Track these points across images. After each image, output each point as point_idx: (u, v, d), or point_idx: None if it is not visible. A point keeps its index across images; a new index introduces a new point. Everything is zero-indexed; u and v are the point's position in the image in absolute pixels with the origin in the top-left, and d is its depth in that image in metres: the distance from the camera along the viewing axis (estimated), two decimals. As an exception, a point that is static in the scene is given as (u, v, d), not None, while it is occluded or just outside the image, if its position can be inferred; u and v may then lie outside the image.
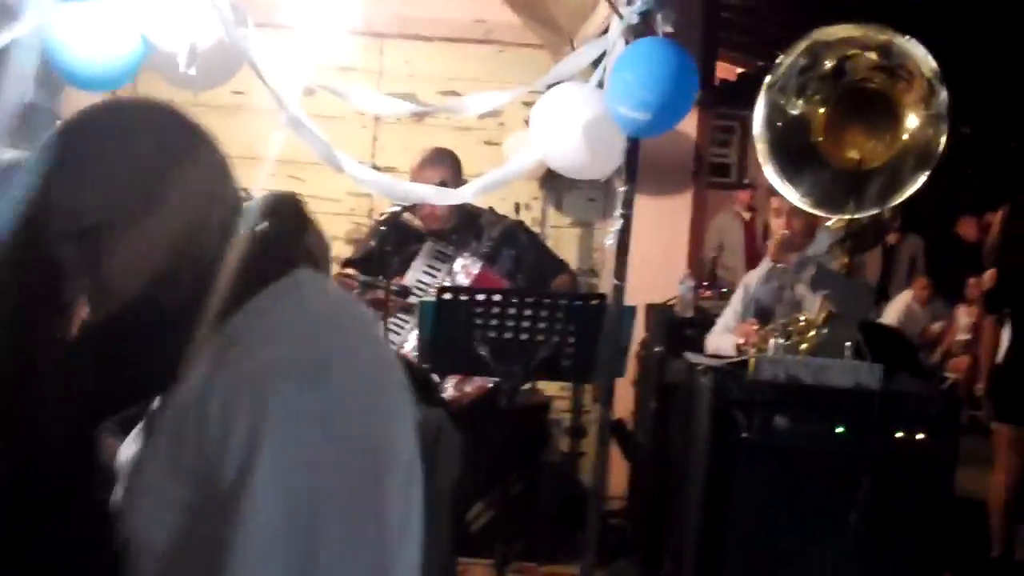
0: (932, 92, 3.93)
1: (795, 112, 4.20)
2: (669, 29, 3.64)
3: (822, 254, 4.58)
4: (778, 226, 4.76)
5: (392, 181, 4.24)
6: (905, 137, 4.05)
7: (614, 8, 3.79)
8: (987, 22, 9.95)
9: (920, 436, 3.81)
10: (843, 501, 3.72)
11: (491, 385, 4.56)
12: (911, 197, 4.14)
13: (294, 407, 1.36)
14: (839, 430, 3.81)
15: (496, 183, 3.94)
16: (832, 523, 3.74)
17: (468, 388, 4.58)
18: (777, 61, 4.20)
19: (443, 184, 4.56)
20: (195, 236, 1.42)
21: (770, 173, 4.20)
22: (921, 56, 3.95)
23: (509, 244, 4.78)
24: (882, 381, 3.82)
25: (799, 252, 4.67)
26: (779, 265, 4.70)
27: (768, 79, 4.19)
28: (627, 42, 3.76)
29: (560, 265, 5.09)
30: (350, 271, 4.71)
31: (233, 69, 3.91)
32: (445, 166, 4.77)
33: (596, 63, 4.02)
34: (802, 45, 4.10)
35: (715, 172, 11.81)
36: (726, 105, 10.76)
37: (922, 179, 3.94)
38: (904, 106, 4.04)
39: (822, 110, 4.21)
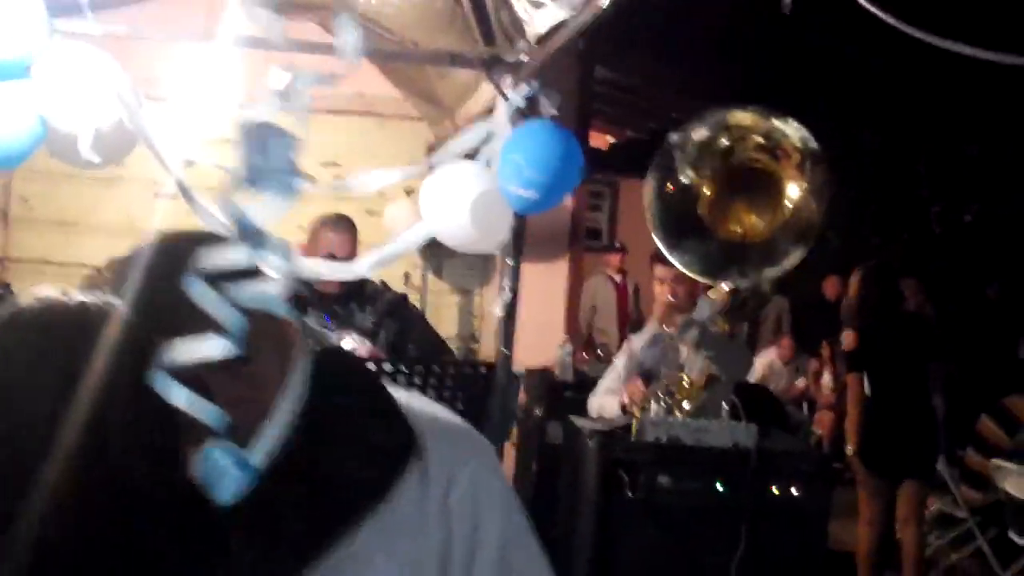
0: (810, 168, 4.12)
1: (685, 182, 4.34)
2: (553, 112, 3.81)
3: (705, 320, 4.75)
4: (661, 292, 4.91)
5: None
6: (786, 213, 4.23)
7: (501, 92, 3.96)
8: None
9: (794, 490, 4.00)
10: (724, 555, 3.89)
11: None
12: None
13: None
14: (719, 487, 3.99)
15: (389, 258, 4.04)
16: (716, 574, 3.90)
17: None
18: (676, 137, 4.32)
19: (346, 251, 4.65)
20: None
21: (659, 241, 4.34)
22: (798, 134, 4.15)
23: (393, 318, 4.85)
24: (757, 440, 4.02)
25: (683, 316, 4.84)
26: (666, 330, 4.86)
27: (663, 149, 4.32)
28: (513, 123, 3.92)
29: (442, 344, 5.19)
30: None
31: (127, 148, 3.98)
32: (348, 231, 4.83)
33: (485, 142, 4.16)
34: (710, 121, 4.26)
35: (587, 236, 12.09)
36: (598, 171, 11.06)
37: (802, 251, 4.14)
38: (785, 183, 4.22)
39: (709, 184, 4.36)
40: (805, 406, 11.55)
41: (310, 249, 4.76)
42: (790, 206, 4.13)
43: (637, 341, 5.10)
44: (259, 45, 4.69)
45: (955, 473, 8.26)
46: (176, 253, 1.45)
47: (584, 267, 10.11)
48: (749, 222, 4.30)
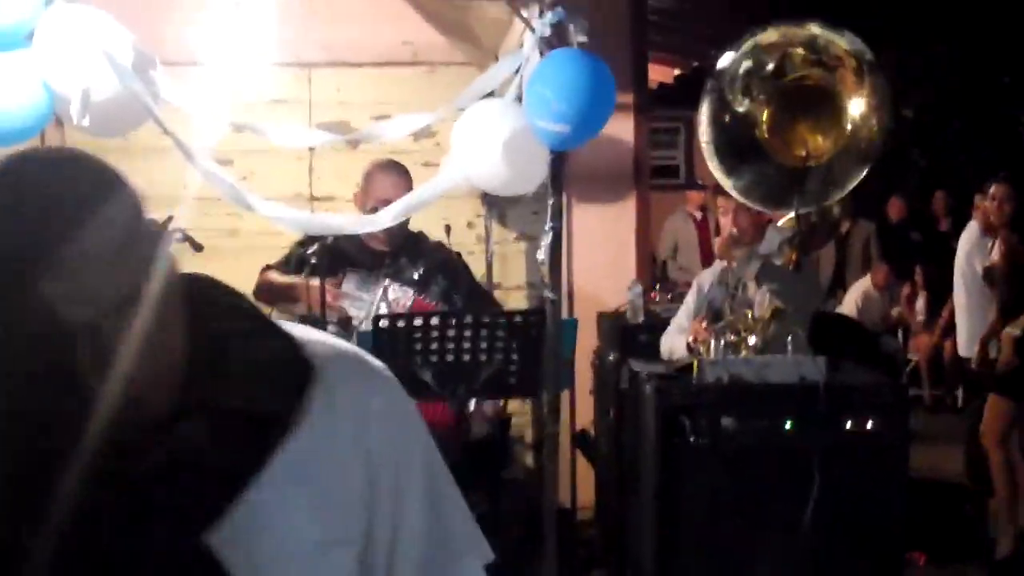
0: (867, 78, 3.90)
1: (740, 111, 4.16)
2: (582, 39, 3.61)
3: (773, 252, 4.55)
4: (725, 224, 4.73)
5: (307, 216, 4.20)
6: (849, 128, 4.02)
7: (525, 21, 3.76)
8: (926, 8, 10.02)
9: (869, 424, 3.78)
10: (796, 497, 3.68)
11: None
12: (859, 183, 4.12)
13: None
14: (787, 426, 3.78)
15: (418, 204, 3.90)
16: (787, 519, 3.70)
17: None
18: (719, 65, 4.16)
19: (400, 194, 4.49)
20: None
21: (714, 170, 4.17)
22: (848, 44, 3.93)
23: (443, 274, 4.70)
24: (826, 373, 3.79)
25: (747, 249, 4.64)
26: (730, 264, 4.67)
27: (711, 81, 4.16)
28: (541, 54, 3.73)
29: (491, 301, 5.05)
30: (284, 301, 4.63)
31: (140, 116, 3.84)
32: (401, 174, 4.68)
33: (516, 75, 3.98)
34: (744, 47, 4.08)
35: (663, 174, 11.85)
36: (666, 107, 10.79)
37: (865, 170, 3.91)
38: (845, 97, 4.02)
39: (767, 108, 4.18)
40: (900, 332, 11.25)
41: (364, 196, 4.64)
42: (850, 122, 3.88)
43: (706, 277, 4.91)
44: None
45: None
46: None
47: (662, 206, 9.89)
48: (814, 142, 4.08)
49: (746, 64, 4.12)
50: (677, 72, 10.88)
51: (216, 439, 1.31)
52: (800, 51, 4.01)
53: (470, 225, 7.33)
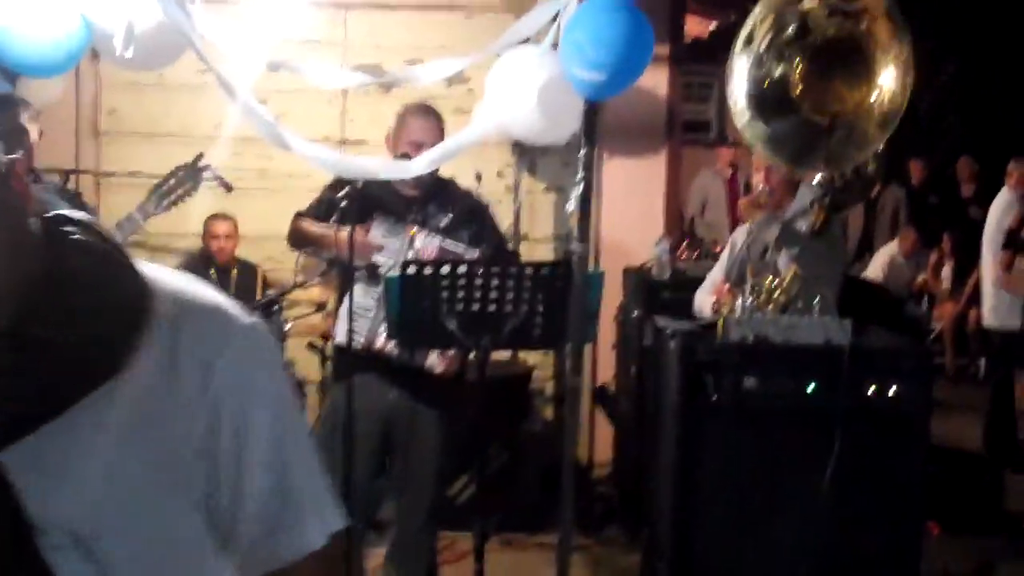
0: (893, 32, 3.81)
1: (772, 71, 4.09)
2: (620, -14, 3.56)
3: (804, 210, 4.50)
4: (758, 181, 4.68)
5: (344, 158, 4.18)
6: (875, 84, 3.95)
7: (564, -33, 3.71)
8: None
9: (893, 389, 3.75)
10: (817, 460, 3.67)
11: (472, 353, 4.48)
12: (892, 147, 4.06)
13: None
14: (810, 388, 3.76)
15: (452, 152, 3.88)
16: (807, 483, 3.69)
17: (451, 353, 4.46)
18: (747, 27, 4.09)
19: (435, 143, 4.47)
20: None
21: (742, 129, 4.11)
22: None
23: (472, 223, 4.68)
24: (852, 337, 3.76)
25: (777, 209, 4.59)
26: (753, 225, 4.63)
27: (739, 44, 4.09)
28: (579, 2, 3.69)
29: (512, 255, 5.03)
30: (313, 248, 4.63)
31: (178, 50, 3.82)
32: (434, 118, 4.65)
33: (553, 23, 3.94)
34: (765, 7, 4.00)
35: (694, 129, 11.74)
36: (700, 62, 10.67)
37: (887, 132, 3.85)
38: (873, 49, 3.93)
39: (799, 67, 4.10)
40: (925, 300, 11.19)
41: (396, 139, 4.61)
42: (877, 78, 3.81)
43: (739, 235, 4.87)
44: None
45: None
46: None
47: (693, 162, 9.82)
48: (849, 97, 4.01)
49: (767, 25, 4.04)
50: (713, 26, 10.75)
51: (19, 366, 1.28)
52: (817, 5, 3.91)
53: (500, 174, 7.32)
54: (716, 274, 4.88)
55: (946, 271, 11.11)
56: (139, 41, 3.49)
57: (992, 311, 7.39)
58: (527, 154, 7.27)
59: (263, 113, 3.75)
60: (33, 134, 4.24)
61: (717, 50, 11.23)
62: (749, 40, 4.01)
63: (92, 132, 7.38)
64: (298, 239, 4.76)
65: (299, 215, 4.75)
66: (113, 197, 7.08)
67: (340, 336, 4.48)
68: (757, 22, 3.99)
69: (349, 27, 7.32)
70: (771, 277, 4.18)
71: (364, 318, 4.38)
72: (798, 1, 4.02)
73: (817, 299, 3.93)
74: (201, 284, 1.47)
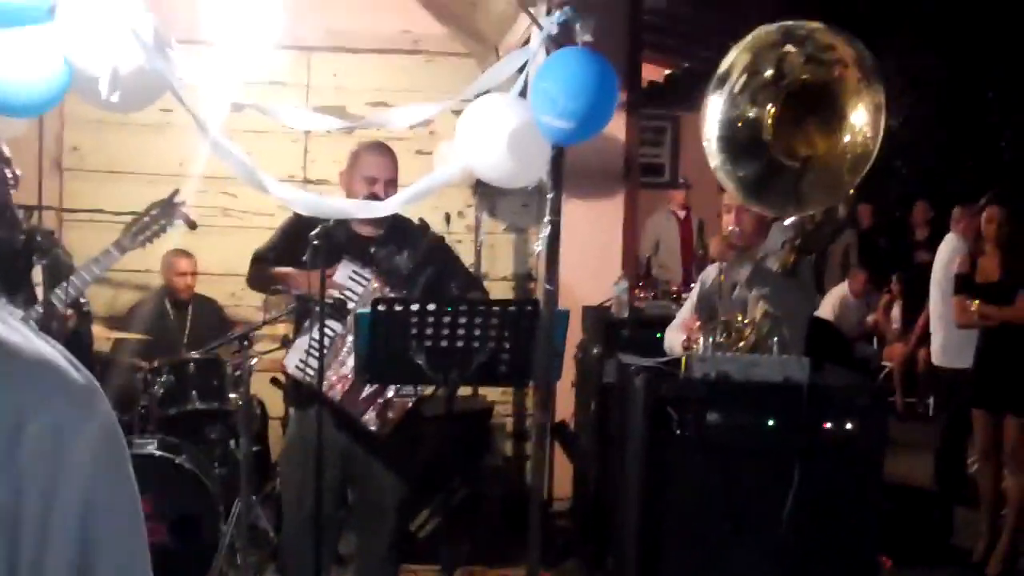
0: (867, 80, 3.92)
1: (746, 112, 4.17)
2: (588, 38, 3.70)
3: (775, 251, 4.60)
4: (727, 222, 4.75)
5: (317, 198, 4.27)
6: (847, 130, 4.04)
7: (533, 19, 3.85)
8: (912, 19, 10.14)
9: (848, 425, 3.88)
10: (776, 492, 3.78)
11: (411, 404, 4.59)
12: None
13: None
14: (770, 423, 3.88)
15: (422, 193, 3.99)
16: (767, 514, 3.79)
17: (391, 414, 4.58)
18: (720, 69, 4.18)
19: (388, 179, 4.59)
20: None
21: (717, 170, 4.17)
22: (848, 44, 3.94)
23: (433, 261, 4.78)
24: (809, 375, 3.89)
25: (748, 249, 4.68)
26: (724, 263, 4.72)
27: (715, 83, 4.18)
28: (548, 52, 3.82)
29: (481, 286, 5.13)
30: (279, 288, 4.70)
31: (157, 92, 3.91)
32: (388, 155, 4.75)
33: (520, 72, 4.07)
34: (739, 49, 4.09)
35: (648, 172, 11.93)
36: (655, 106, 10.89)
37: (859, 175, 3.95)
38: (845, 97, 4.03)
39: (772, 111, 4.19)
40: (875, 340, 11.41)
41: (348, 176, 4.70)
42: (849, 124, 3.94)
43: (710, 272, 4.96)
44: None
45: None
46: None
47: (647, 204, 9.98)
48: (819, 143, 4.11)
49: (743, 67, 4.14)
50: (667, 72, 10.98)
51: None
52: (795, 50, 4.03)
53: (460, 215, 7.45)
54: (685, 312, 4.97)
55: (895, 312, 11.34)
56: (121, 84, 3.57)
57: (941, 350, 7.57)
58: (487, 195, 7.39)
59: (239, 154, 3.84)
60: (8, 172, 4.32)
61: (671, 95, 11.49)
62: (723, 80, 4.11)
63: (55, 168, 7.43)
64: (260, 281, 4.84)
65: (258, 256, 4.82)
66: (75, 233, 7.13)
67: (289, 365, 4.58)
68: (733, 63, 4.10)
69: (313, 70, 7.44)
70: (740, 316, 4.30)
71: (315, 355, 4.46)
72: (777, 46, 4.12)
73: (776, 338, 4.06)
74: (43, 339, 1.30)
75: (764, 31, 4.05)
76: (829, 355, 4.70)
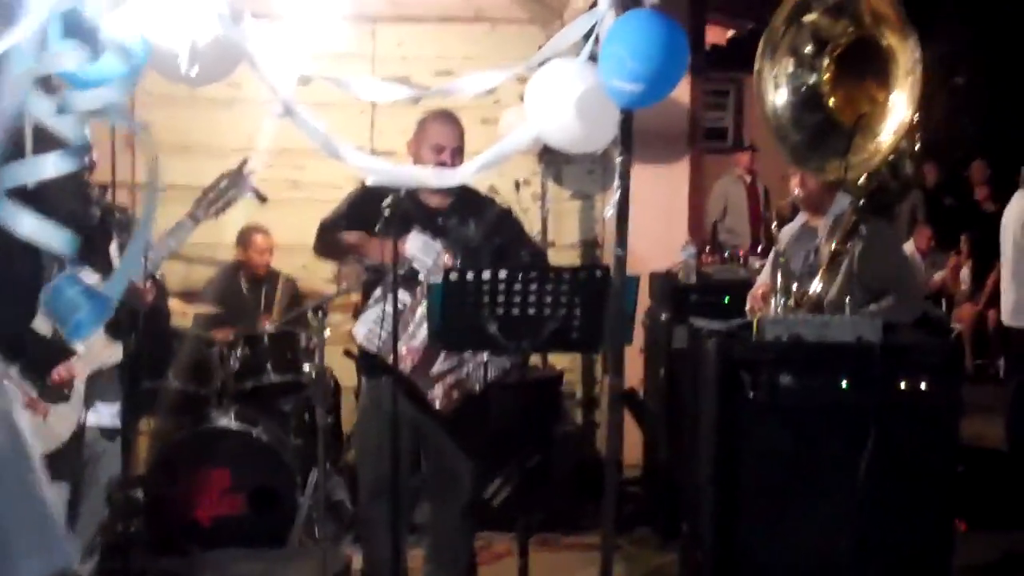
0: (902, 34, 3.87)
1: (806, 79, 4.14)
2: (655, 0, 3.69)
3: (842, 213, 4.57)
4: (793, 185, 4.74)
5: (392, 167, 4.27)
6: (891, 87, 4.00)
7: (599, -19, 3.83)
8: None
9: (923, 386, 3.86)
10: (851, 454, 3.78)
11: (478, 388, 4.64)
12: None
13: None
14: (843, 384, 3.87)
15: (493, 161, 3.99)
16: (842, 476, 3.79)
17: (456, 394, 4.63)
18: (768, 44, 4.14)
19: (455, 147, 4.65)
20: None
21: (779, 142, 4.15)
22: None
23: (500, 232, 4.81)
24: (882, 334, 3.87)
25: (816, 212, 4.67)
26: (810, 225, 4.68)
27: (761, 57, 4.15)
28: (616, 14, 3.81)
29: (544, 257, 5.16)
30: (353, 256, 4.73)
31: (231, 66, 3.95)
32: (454, 123, 4.78)
33: (587, 37, 4.06)
34: (774, 38, 4.06)
35: (712, 136, 11.84)
36: (718, 69, 10.78)
37: (894, 136, 3.89)
38: (887, 50, 3.97)
39: (827, 74, 4.16)
40: (944, 302, 11.28)
41: (416, 144, 4.75)
42: (892, 81, 3.89)
43: (785, 233, 4.92)
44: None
45: None
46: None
47: (710, 169, 9.92)
48: (876, 98, 4.07)
49: (789, 47, 4.11)
50: (731, 33, 10.87)
51: None
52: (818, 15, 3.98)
53: (526, 182, 7.45)
54: (765, 273, 4.94)
55: (964, 272, 11.21)
56: (199, 58, 3.61)
57: (1012, 310, 7.47)
58: (553, 163, 7.40)
59: (315, 123, 3.87)
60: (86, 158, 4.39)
61: (735, 58, 11.37)
62: (772, 53, 4.08)
63: (127, 146, 7.52)
64: (329, 249, 4.89)
65: (326, 225, 4.87)
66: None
67: (359, 335, 4.64)
68: (778, 36, 4.07)
69: (377, 40, 7.47)
70: (806, 290, 4.27)
71: (388, 327, 4.49)
72: (799, 16, 4.08)
73: (848, 297, 4.03)
74: None
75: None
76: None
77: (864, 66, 3.99)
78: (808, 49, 4.10)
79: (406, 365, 4.57)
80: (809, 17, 4.03)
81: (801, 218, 4.80)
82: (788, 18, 4.06)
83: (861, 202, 4.20)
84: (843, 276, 4.20)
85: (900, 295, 4.46)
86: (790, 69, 4.06)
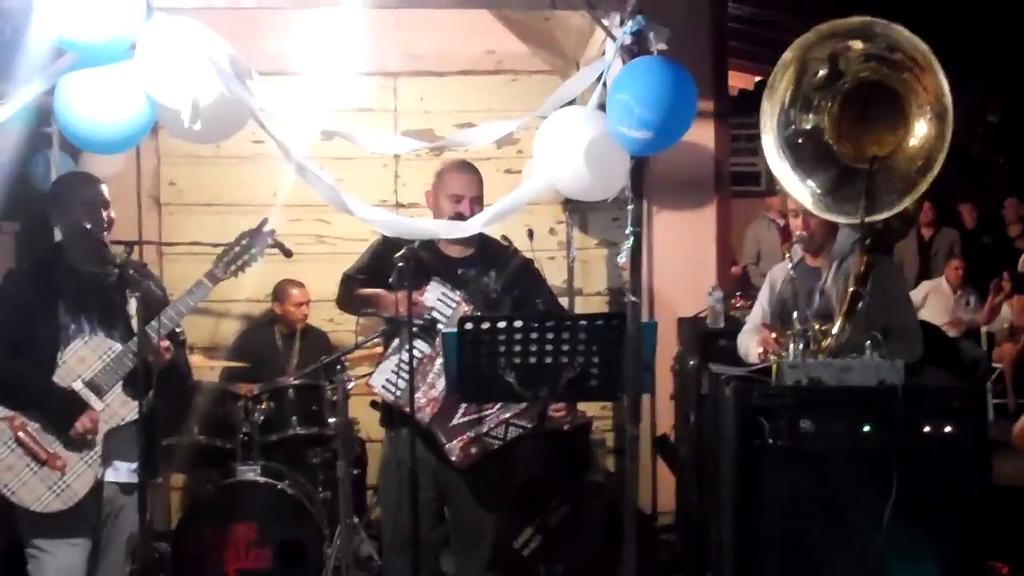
0: (927, 73, 3.86)
1: (806, 124, 4.17)
2: (663, 47, 3.70)
3: (845, 253, 4.54)
4: (795, 226, 4.70)
5: (401, 219, 4.31)
6: (913, 128, 3.99)
7: (606, 30, 3.85)
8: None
9: (947, 428, 3.79)
10: (875, 499, 3.71)
11: (496, 446, 4.62)
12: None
13: None
14: (866, 429, 3.81)
15: (505, 211, 4.00)
16: (866, 522, 3.72)
17: (474, 450, 4.61)
18: (771, 83, 4.18)
19: (473, 196, 4.66)
20: None
21: (782, 176, 4.17)
22: (907, 36, 3.88)
23: (519, 284, 4.81)
24: (904, 377, 3.82)
25: (819, 252, 4.63)
26: (809, 263, 4.64)
27: (767, 98, 4.17)
28: (623, 62, 3.82)
29: (563, 309, 5.15)
30: (370, 311, 4.73)
31: (240, 122, 3.99)
32: (473, 173, 4.79)
33: (598, 84, 4.08)
34: (788, 58, 4.08)
35: (744, 181, 11.80)
36: (746, 114, 10.78)
37: (930, 176, 3.89)
38: (907, 93, 3.97)
39: (831, 113, 4.17)
40: (984, 340, 11.15)
41: (435, 195, 4.78)
42: (914, 121, 3.88)
43: (778, 272, 4.88)
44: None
45: None
46: None
47: (744, 213, 9.89)
48: (884, 141, 4.06)
49: (795, 74, 4.11)
50: (758, 79, 10.88)
51: None
52: (856, 44, 3.98)
53: (552, 231, 7.46)
54: (756, 315, 4.91)
55: (1006, 310, 11.07)
56: (203, 114, 3.65)
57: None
58: (578, 211, 7.40)
59: (325, 178, 3.89)
60: (105, 214, 4.42)
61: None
62: (771, 89, 4.09)
63: (153, 204, 7.59)
64: (349, 301, 4.90)
65: (348, 278, 4.90)
66: (175, 267, 7.25)
67: (376, 385, 4.64)
68: (780, 72, 4.08)
69: (399, 94, 7.51)
70: (818, 324, 4.23)
71: (405, 376, 4.49)
72: (826, 45, 4.06)
73: (869, 341, 3.98)
74: None
75: (802, 39, 4.01)
76: (933, 358, 4.60)
77: (873, 107, 3.98)
78: (820, 75, 4.10)
79: (425, 415, 4.56)
80: (843, 45, 4.01)
81: (792, 259, 4.74)
82: (816, 45, 4.04)
83: (868, 241, 4.15)
84: (860, 318, 4.14)
85: (905, 335, 4.39)
86: (788, 103, 4.06)
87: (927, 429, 3.81)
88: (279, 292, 7.10)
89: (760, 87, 10.98)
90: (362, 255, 4.95)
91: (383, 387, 4.60)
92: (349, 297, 4.87)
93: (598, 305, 7.52)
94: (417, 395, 4.48)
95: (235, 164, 7.34)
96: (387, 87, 7.48)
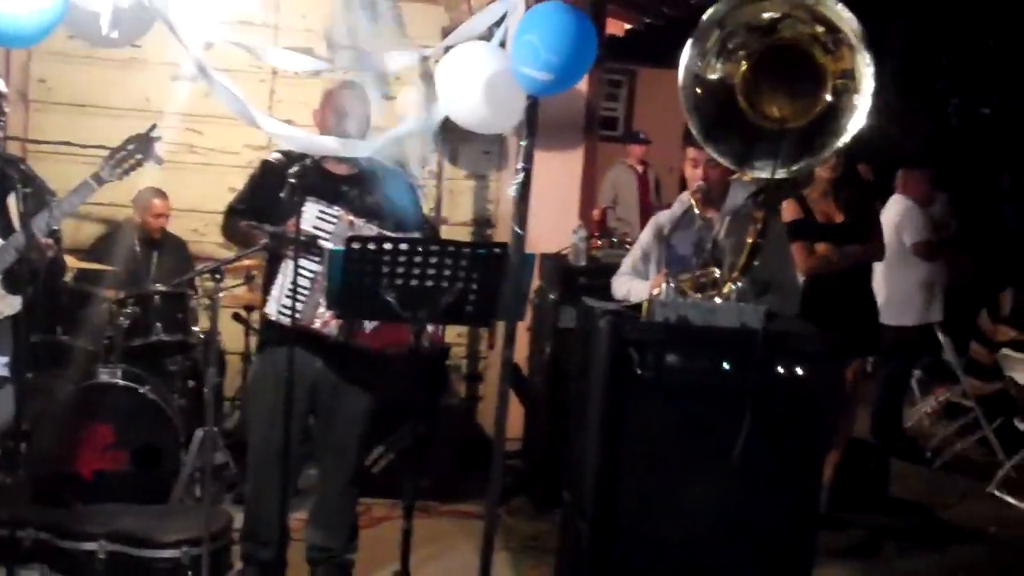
0: (855, 57, 3.90)
1: (718, 71, 4.10)
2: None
3: (737, 207, 4.66)
4: (692, 176, 4.73)
5: (305, 134, 4.37)
6: (828, 100, 4.03)
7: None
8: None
9: (799, 370, 4.04)
10: (730, 432, 3.95)
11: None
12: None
13: None
14: (725, 366, 4.04)
15: (399, 136, 4.12)
16: (719, 454, 3.95)
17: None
18: (706, 16, 4.09)
19: (358, 110, 4.73)
20: None
21: (693, 128, 4.13)
22: (840, 13, 3.92)
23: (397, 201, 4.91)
24: (764, 321, 4.06)
25: (710, 205, 4.71)
26: (703, 215, 4.71)
27: (692, 39, 4.11)
28: (527, 5, 3.95)
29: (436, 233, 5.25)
30: (254, 224, 4.76)
31: (144, 28, 4.01)
32: (362, 96, 4.84)
33: (497, 23, 4.20)
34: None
35: (603, 126, 12.05)
36: (614, 60, 10.99)
37: (837, 143, 3.96)
38: (826, 70, 4.02)
39: (744, 68, 4.13)
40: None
41: (323, 111, 4.81)
42: (830, 93, 3.97)
43: (664, 217, 4.98)
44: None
45: (961, 363, 8.41)
46: None
47: (601, 156, 10.11)
48: (790, 107, 4.11)
49: (739, 14, 3.99)
50: (628, 26, 11.08)
51: None
52: (800, 13, 3.96)
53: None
54: (636, 257, 4.99)
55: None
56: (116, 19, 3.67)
57: (885, 308, 7.79)
58: (449, 142, 7.52)
59: (233, 89, 3.95)
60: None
61: (631, 50, 11.60)
62: (701, 42, 4.04)
63: (20, 99, 7.44)
64: (233, 234, 4.92)
65: (231, 209, 4.91)
66: (40, 165, 7.13)
67: (272, 312, 4.69)
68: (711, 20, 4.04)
69: (281, 11, 7.49)
70: (716, 271, 4.40)
71: (301, 297, 4.58)
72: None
73: (736, 286, 4.20)
74: None
75: None
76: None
77: (785, 73, 4.02)
78: (763, 18, 4.05)
79: (332, 329, 4.65)
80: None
81: (679, 207, 4.86)
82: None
83: (761, 197, 4.31)
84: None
85: (784, 290, 4.66)
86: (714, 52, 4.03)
87: (781, 370, 4.05)
88: (140, 200, 7.05)
89: (631, 35, 11.19)
90: (244, 185, 4.97)
91: (279, 313, 4.64)
92: (234, 229, 4.89)
93: (463, 235, 7.67)
94: (321, 310, 4.58)
95: (108, 66, 7.25)
96: (269, 2, 7.45)
